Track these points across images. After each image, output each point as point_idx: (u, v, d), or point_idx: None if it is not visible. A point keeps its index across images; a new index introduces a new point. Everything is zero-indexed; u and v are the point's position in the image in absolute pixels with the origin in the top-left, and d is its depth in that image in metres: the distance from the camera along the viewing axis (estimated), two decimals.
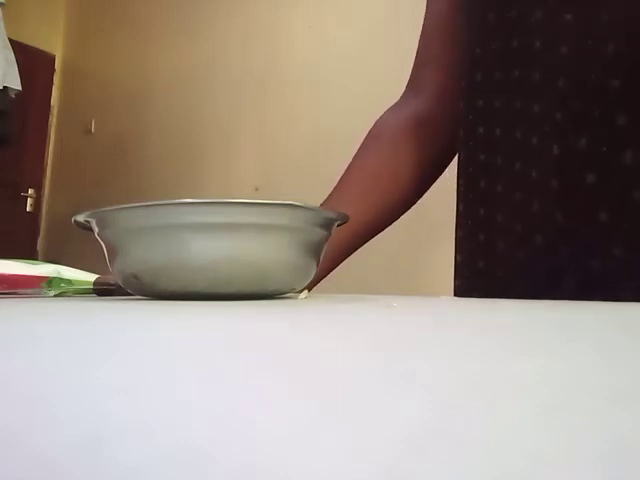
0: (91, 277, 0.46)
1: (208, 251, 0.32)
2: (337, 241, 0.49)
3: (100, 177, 3.44)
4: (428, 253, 2.06)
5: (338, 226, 0.39)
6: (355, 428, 0.06)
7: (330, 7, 2.54)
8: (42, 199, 3.78)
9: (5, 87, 2.06)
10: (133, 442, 0.06)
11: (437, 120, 0.59)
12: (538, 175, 0.42)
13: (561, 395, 0.07)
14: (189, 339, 0.13)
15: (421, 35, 0.60)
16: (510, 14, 0.45)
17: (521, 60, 0.44)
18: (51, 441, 0.06)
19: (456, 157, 0.54)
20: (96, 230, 0.35)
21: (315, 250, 0.36)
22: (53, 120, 3.85)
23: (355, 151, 0.60)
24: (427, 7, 0.60)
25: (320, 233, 0.36)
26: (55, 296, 0.43)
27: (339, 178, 0.59)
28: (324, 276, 0.55)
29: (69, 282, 0.44)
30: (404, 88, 0.62)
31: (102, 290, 0.45)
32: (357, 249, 0.59)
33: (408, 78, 0.62)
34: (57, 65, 3.86)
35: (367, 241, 0.59)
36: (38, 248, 3.73)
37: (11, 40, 2.15)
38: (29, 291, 0.42)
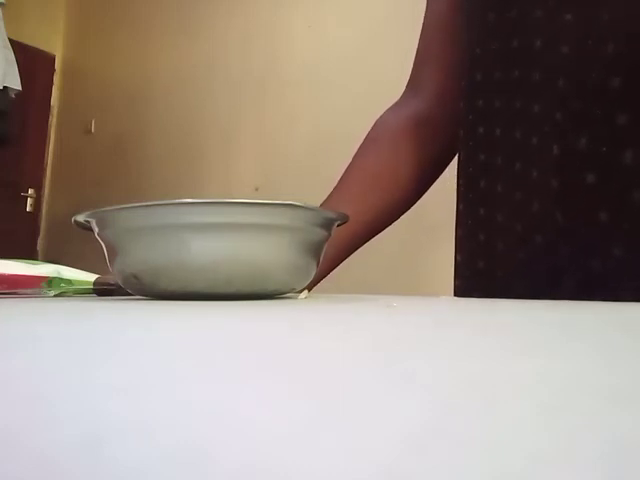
0: (91, 277, 0.46)
1: (208, 251, 0.32)
2: (337, 241, 0.49)
3: (100, 177, 3.44)
4: (428, 253, 2.06)
5: (338, 226, 0.39)
6: (355, 428, 0.06)
7: (330, 7, 2.54)
8: (42, 199, 3.78)
9: (5, 87, 2.06)
10: (133, 442, 0.06)
11: (437, 120, 0.59)
12: (538, 175, 0.42)
13: (561, 395, 0.07)
14: (189, 339, 0.13)
15: (421, 35, 0.60)
16: (510, 14, 0.45)
17: (521, 60, 0.44)
18: (51, 441, 0.06)
19: (456, 157, 0.54)
20: (96, 230, 0.35)
21: (315, 250, 0.36)
22: (53, 120, 3.85)
23: (355, 151, 0.60)
24: (427, 7, 0.60)
25: (320, 233, 0.36)
26: (55, 296, 0.43)
27: (339, 178, 0.59)
28: (324, 276, 0.55)
29: (69, 282, 0.44)
30: (404, 88, 0.62)
31: (102, 290, 0.45)
32: (357, 249, 0.59)
33: (408, 78, 0.62)
34: (57, 65, 3.86)
35: (367, 241, 0.59)
36: (38, 248, 3.73)
37: (11, 40, 2.15)
38: (29, 291, 0.42)
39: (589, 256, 0.40)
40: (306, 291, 0.39)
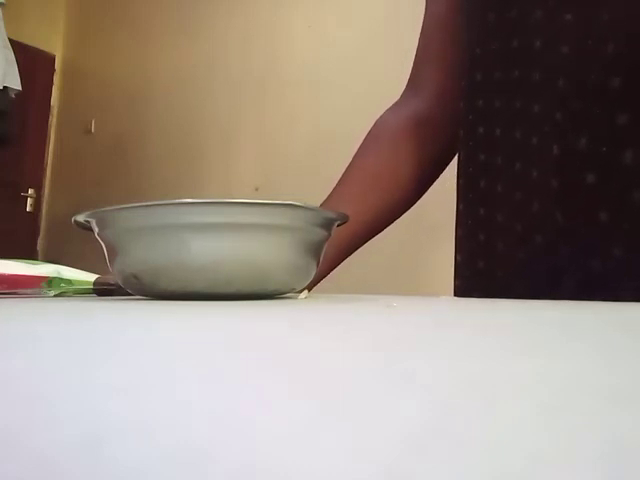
0: (91, 277, 0.46)
1: (208, 251, 0.32)
2: (337, 241, 0.49)
3: (100, 177, 3.44)
4: (428, 253, 2.06)
5: (338, 226, 0.39)
6: (355, 428, 0.06)
7: (330, 7, 2.54)
8: (42, 199, 3.78)
9: (5, 87, 2.06)
10: (133, 442, 0.06)
11: (437, 120, 0.59)
12: (538, 175, 0.42)
13: (561, 395, 0.07)
14: (189, 339, 0.13)
15: (421, 35, 0.60)
16: (510, 14, 0.45)
17: (521, 60, 0.44)
18: (51, 441, 0.06)
19: (456, 157, 0.54)
20: (96, 230, 0.35)
21: (315, 250, 0.36)
22: (53, 120, 3.85)
23: (355, 151, 0.60)
24: (426, 7, 0.60)
25: (320, 233, 0.36)
26: (55, 296, 0.43)
27: (339, 178, 0.59)
28: (324, 276, 0.55)
29: (69, 282, 0.44)
30: (404, 88, 0.62)
31: (102, 290, 0.45)
32: (357, 249, 0.59)
33: (408, 78, 0.62)
34: (57, 65, 3.86)
35: (367, 241, 0.59)
36: (38, 248, 3.73)
37: (11, 40, 2.15)
38: (29, 291, 0.42)
39: (589, 256, 0.40)
40: (306, 291, 0.39)
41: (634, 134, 0.38)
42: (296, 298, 0.37)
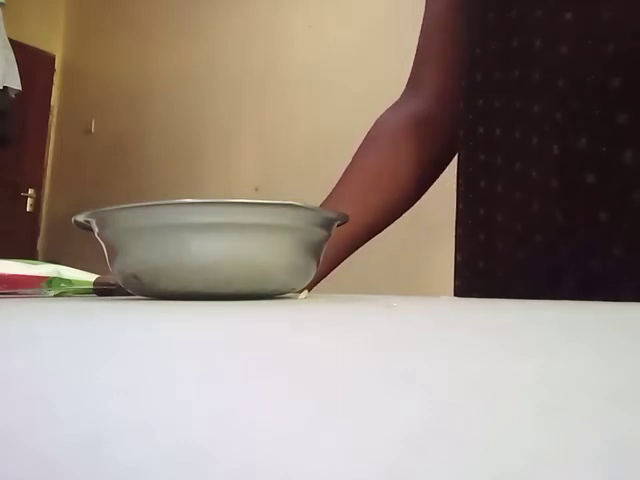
0: (91, 277, 0.46)
1: (208, 251, 0.32)
2: (337, 241, 0.49)
3: (100, 177, 3.44)
4: (428, 253, 2.06)
5: (338, 226, 0.39)
6: (355, 428, 0.06)
7: (330, 7, 2.55)
8: (42, 199, 3.78)
9: (5, 87, 2.06)
10: (133, 442, 0.06)
11: (437, 120, 0.59)
12: (538, 175, 0.42)
13: (561, 395, 0.07)
14: (189, 339, 0.13)
15: (420, 34, 0.60)
16: (510, 14, 0.45)
17: (521, 60, 0.44)
18: (51, 441, 0.06)
19: (456, 157, 0.54)
20: (96, 230, 0.35)
21: (315, 250, 0.36)
22: (53, 120, 3.85)
23: (355, 151, 0.60)
24: (426, 7, 0.60)
25: (320, 233, 0.36)
26: (55, 296, 0.43)
27: (339, 178, 0.59)
28: (324, 276, 0.55)
29: (69, 282, 0.44)
30: (404, 88, 0.62)
31: (102, 290, 0.45)
32: (357, 249, 0.59)
33: (408, 78, 0.62)
34: (57, 65, 3.86)
35: (367, 241, 0.59)
36: (38, 248, 3.73)
37: (11, 40, 2.15)
38: (29, 291, 0.42)
39: (589, 256, 0.40)
40: (306, 291, 0.39)
41: (634, 134, 0.38)
42: (296, 298, 0.37)
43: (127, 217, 0.33)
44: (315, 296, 0.40)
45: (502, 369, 0.09)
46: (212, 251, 0.32)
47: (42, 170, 3.79)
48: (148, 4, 3.32)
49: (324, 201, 0.58)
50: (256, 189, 2.65)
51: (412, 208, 0.61)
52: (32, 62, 3.46)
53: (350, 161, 0.60)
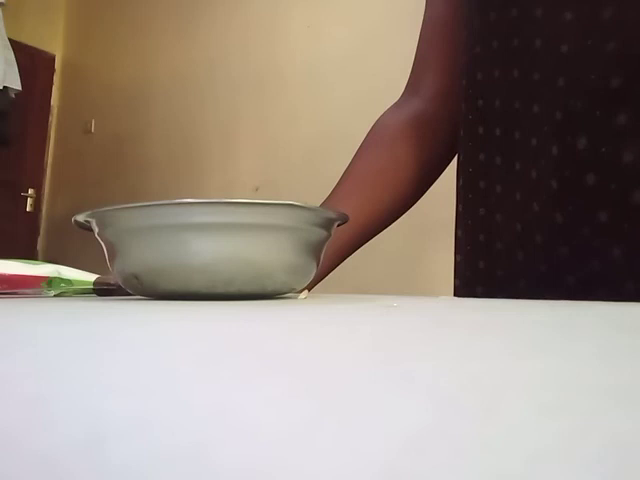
0: (91, 277, 0.46)
1: (208, 251, 0.32)
2: (337, 241, 0.49)
3: (100, 177, 3.44)
4: (428, 253, 2.06)
5: (338, 226, 0.39)
6: (355, 428, 0.06)
7: (329, 7, 2.55)
8: (42, 199, 3.78)
9: (5, 87, 2.06)
10: (133, 442, 0.06)
11: (437, 120, 0.59)
12: (538, 175, 0.42)
13: (561, 395, 0.07)
14: (189, 339, 0.13)
15: (420, 34, 0.60)
16: (511, 13, 0.45)
17: (521, 59, 0.44)
18: (51, 441, 0.06)
19: (456, 157, 0.54)
20: (96, 230, 0.35)
21: (315, 250, 0.36)
22: (53, 120, 3.85)
23: (355, 151, 0.60)
24: (426, 6, 0.60)
25: (320, 233, 0.36)
26: (55, 296, 0.43)
27: (339, 178, 0.59)
28: (324, 276, 0.55)
29: (69, 282, 0.44)
30: (404, 88, 0.62)
31: (102, 290, 0.45)
32: (357, 249, 0.59)
33: (408, 78, 0.62)
34: (57, 65, 3.86)
35: (367, 241, 0.59)
36: (38, 248, 3.73)
37: (11, 40, 2.15)
38: (29, 291, 0.42)
39: (589, 256, 0.40)
40: (306, 291, 0.39)
41: (634, 134, 0.38)
42: (296, 298, 0.37)
43: (127, 217, 0.33)
44: (315, 296, 0.40)
45: (502, 369, 0.09)
46: (212, 251, 0.32)
47: (42, 170, 3.79)
48: (148, 4, 3.32)
49: (324, 201, 0.58)
50: (256, 189, 2.65)
51: (412, 208, 0.61)
52: (32, 62, 3.46)
53: (350, 162, 0.60)
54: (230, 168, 2.81)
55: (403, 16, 2.07)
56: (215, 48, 2.95)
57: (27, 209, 3.69)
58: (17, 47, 2.30)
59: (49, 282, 0.43)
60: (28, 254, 3.31)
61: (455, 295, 0.53)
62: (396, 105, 0.62)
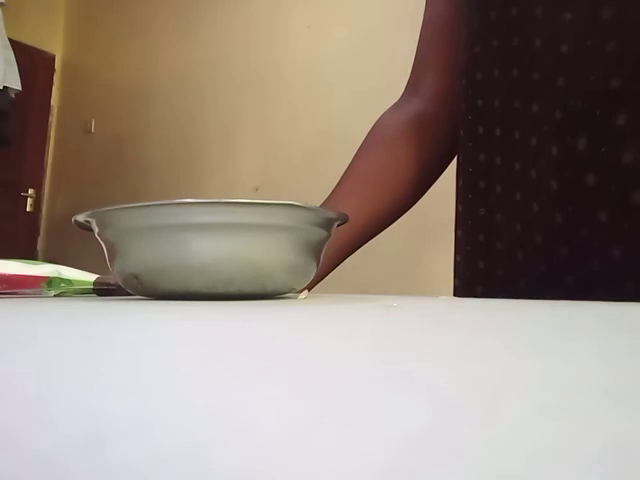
0: (91, 277, 0.46)
1: (208, 251, 0.32)
2: (337, 241, 0.49)
3: (100, 177, 3.44)
4: (428, 253, 2.06)
5: (338, 226, 0.39)
6: (355, 428, 0.06)
7: (329, 7, 2.55)
8: (42, 199, 3.78)
9: (5, 87, 2.06)
10: (133, 442, 0.06)
11: (437, 121, 0.59)
12: (537, 175, 0.42)
13: (561, 395, 0.07)
14: (189, 339, 0.13)
15: (420, 34, 0.60)
16: (511, 12, 0.45)
17: (521, 59, 0.44)
18: (51, 441, 0.06)
19: (456, 157, 0.54)
20: (96, 230, 0.35)
21: (315, 250, 0.36)
22: (53, 120, 3.85)
23: (355, 151, 0.60)
24: (426, 6, 0.60)
25: (320, 233, 0.36)
26: (55, 296, 0.43)
27: (339, 179, 0.59)
28: (324, 276, 0.55)
29: (69, 282, 0.44)
30: (404, 88, 0.62)
31: (102, 290, 0.45)
32: (357, 249, 0.59)
33: (408, 78, 0.62)
34: (57, 65, 3.86)
35: (367, 241, 0.59)
36: (38, 248, 3.73)
37: (11, 40, 2.15)
38: (29, 291, 0.42)
39: (589, 256, 0.40)
40: (306, 291, 0.39)
41: (634, 134, 0.38)
42: (296, 298, 0.37)
43: (127, 217, 0.33)
44: (315, 296, 0.40)
45: (502, 369, 0.09)
46: (212, 251, 0.32)
47: (42, 170, 3.79)
48: (148, 4, 3.32)
49: (324, 202, 0.58)
50: (256, 189, 2.65)
51: (412, 208, 0.61)
52: (32, 62, 3.46)
53: (350, 162, 0.60)
54: (230, 168, 2.81)
55: (403, 16, 2.07)
56: (215, 48, 2.95)
57: (27, 209, 3.69)
58: (17, 47, 2.30)
59: (49, 282, 0.43)
60: (28, 254, 3.31)
61: (455, 295, 0.53)
62: (396, 105, 0.62)
